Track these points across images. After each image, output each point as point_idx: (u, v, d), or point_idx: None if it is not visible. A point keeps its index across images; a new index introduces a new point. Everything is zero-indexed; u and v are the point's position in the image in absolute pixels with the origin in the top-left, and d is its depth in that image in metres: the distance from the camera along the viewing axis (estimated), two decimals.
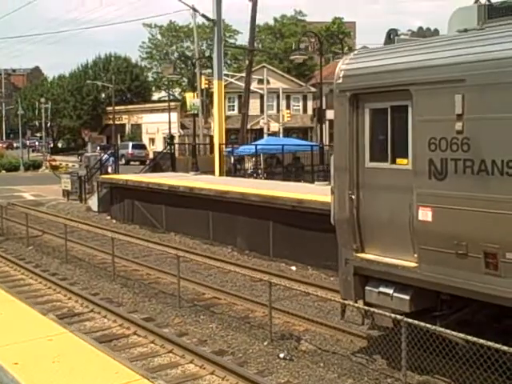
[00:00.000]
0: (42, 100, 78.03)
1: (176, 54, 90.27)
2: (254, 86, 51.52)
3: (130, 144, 65.90)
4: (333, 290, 13.73)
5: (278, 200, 18.36)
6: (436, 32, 10.18)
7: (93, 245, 20.84)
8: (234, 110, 65.72)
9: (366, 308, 9.59)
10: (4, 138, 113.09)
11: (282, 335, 11.37)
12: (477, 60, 8.15)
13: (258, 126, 61.40)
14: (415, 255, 8.91)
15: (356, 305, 9.85)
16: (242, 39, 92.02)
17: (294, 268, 17.14)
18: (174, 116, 66.62)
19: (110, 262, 16.78)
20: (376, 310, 9.34)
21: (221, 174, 28.77)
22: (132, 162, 59.60)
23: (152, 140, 74.45)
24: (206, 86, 45.43)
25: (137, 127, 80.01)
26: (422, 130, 8.78)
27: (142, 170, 34.34)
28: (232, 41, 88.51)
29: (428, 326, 8.50)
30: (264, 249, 18.71)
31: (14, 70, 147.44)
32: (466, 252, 8.26)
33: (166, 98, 75.83)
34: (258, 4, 41.10)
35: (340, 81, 9.98)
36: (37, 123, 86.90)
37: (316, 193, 18.43)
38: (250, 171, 34.15)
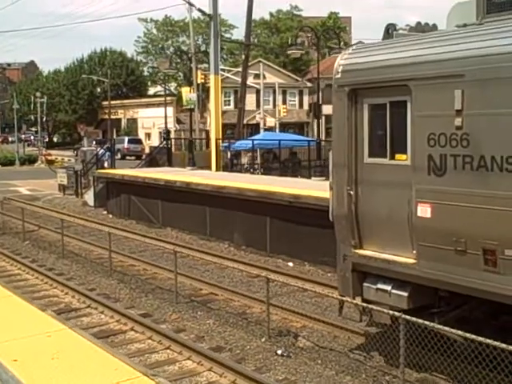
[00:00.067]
0: (38, 94, 77.85)
1: (172, 49, 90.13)
2: (250, 80, 51.37)
3: (126, 139, 65.82)
4: (330, 286, 13.71)
5: (275, 195, 18.31)
6: (434, 27, 10.12)
7: (89, 240, 20.78)
8: (229, 104, 65.67)
9: (364, 305, 9.55)
10: None
11: (279, 332, 11.34)
12: (476, 55, 8.09)
13: (254, 121, 61.32)
14: (414, 252, 8.87)
15: (354, 301, 9.81)
16: (238, 34, 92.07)
17: (291, 264, 17.10)
18: (170, 111, 66.50)
19: (107, 257, 16.72)
20: (374, 307, 9.31)
21: (217, 169, 28.71)
22: (128, 157, 59.51)
23: (148, 135, 74.37)
24: (202, 80, 45.36)
25: (132, 122, 79.93)
26: (421, 125, 8.73)
27: (139, 165, 34.25)
28: (228, 35, 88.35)
29: (426, 323, 8.47)
30: (261, 244, 18.67)
31: (8, 64, 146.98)
32: (464, 249, 8.22)
33: (162, 93, 75.63)
34: None
35: (338, 76, 9.92)
36: (32, 117, 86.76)
37: (313, 188, 18.38)
38: (246, 166, 34.09)
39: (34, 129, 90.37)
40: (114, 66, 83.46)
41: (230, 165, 33.08)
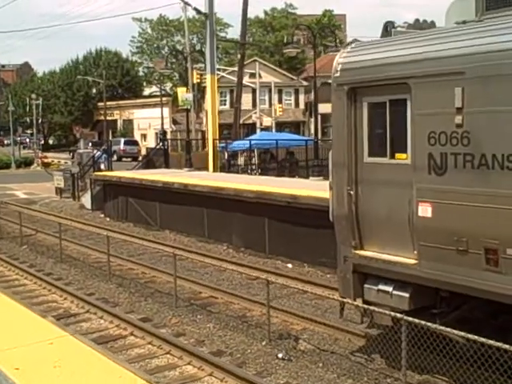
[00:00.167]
0: (33, 96, 77.57)
1: (167, 49, 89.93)
2: (245, 80, 51.25)
3: (122, 140, 65.62)
4: (329, 287, 13.65)
5: (273, 196, 18.21)
6: (432, 24, 10.04)
7: (87, 243, 20.66)
8: (225, 104, 65.47)
9: (366, 306, 9.45)
10: None
11: (280, 335, 11.23)
12: (476, 52, 8.00)
13: (250, 121, 61.19)
14: (415, 252, 8.78)
15: (355, 303, 9.71)
16: (233, 33, 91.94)
17: (290, 265, 17.00)
18: (166, 111, 66.34)
19: (105, 260, 16.61)
20: (375, 309, 9.21)
21: (215, 170, 28.61)
22: (124, 159, 59.33)
23: (144, 136, 74.18)
24: (198, 80, 45.22)
25: (128, 123, 79.71)
26: (421, 124, 8.64)
27: (136, 167, 34.14)
28: (223, 34, 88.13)
29: (429, 324, 8.38)
30: (260, 246, 18.56)
31: (3, 66, 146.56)
32: (466, 248, 8.13)
33: (157, 93, 75.54)
34: None
35: (338, 74, 9.81)
36: (28, 120, 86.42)
37: (311, 188, 18.30)
38: (243, 167, 33.98)
39: (29, 131, 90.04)
40: (109, 67, 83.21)
41: (228, 165, 32.96)
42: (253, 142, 33.05)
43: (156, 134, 66.59)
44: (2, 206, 28.85)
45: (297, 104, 73.10)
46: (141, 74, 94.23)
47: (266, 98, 65.90)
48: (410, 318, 8.48)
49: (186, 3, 41.20)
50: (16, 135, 69.41)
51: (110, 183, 27.30)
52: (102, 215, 27.35)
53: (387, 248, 9.26)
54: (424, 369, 9.17)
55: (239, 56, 45.55)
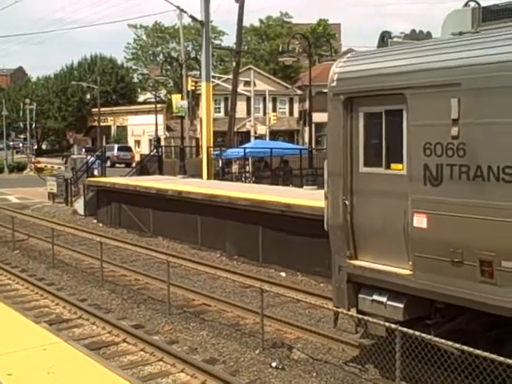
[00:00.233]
0: (27, 101, 77.42)
1: (161, 56, 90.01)
2: (240, 88, 51.30)
3: (116, 146, 65.50)
4: (323, 296, 13.64)
5: (267, 204, 18.20)
6: (429, 35, 10.08)
7: (80, 249, 20.59)
8: (220, 112, 65.55)
9: (360, 316, 9.44)
10: None
11: (273, 343, 11.20)
12: (472, 64, 8.03)
13: (244, 129, 61.21)
14: (410, 263, 8.77)
15: (349, 313, 9.69)
16: (228, 41, 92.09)
17: (283, 274, 16.98)
18: (160, 118, 66.34)
19: (98, 266, 16.56)
20: (370, 319, 9.20)
21: (209, 178, 28.57)
22: (117, 165, 59.24)
23: (138, 142, 74.12)
24: (193, 87, 45.21)
25: (122, 129, 79.66)
26: (417, 134, 8.65)
27: (129, 173, 34.07)
28: (218, 42, 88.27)
29: (424, 335, 8.37)
30: (253, 254, 18.54)
31: None
32: (461, 260, 8.12)
33: (152, 100, 75.57)
34: (245, 5, 40.99)
35: (334, 84, 9.82)
36: (21, 124, 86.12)
37: (305, 197, 18.32)
38: (237, 175, 33.97)
39: (22, 136, 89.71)
40: (103, 73, 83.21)
41: (222, 173, 32.94)
42: (247, 150, 33.05)
43: (150, 140, 66.57)
44: None
45: (291, 113, 73.26)
46: (135, 80, 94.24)
47: (261, 106, 66.00)
48: (405, 329, 8.47)
49: (182, 10, 41.32)
50: (9, 140, 69.21)
51: (103, 189, 27.23)
52: (95, 221, 27.27)
53: (382, 258, 9.25)
54: (418, 380, 9.13)
55: (234, 64, 45.62)
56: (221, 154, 33.56)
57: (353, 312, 9.66)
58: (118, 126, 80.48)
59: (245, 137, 58.24)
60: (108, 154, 53.79)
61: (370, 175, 9.49)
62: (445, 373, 8.77)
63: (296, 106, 73.29)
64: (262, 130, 58.57)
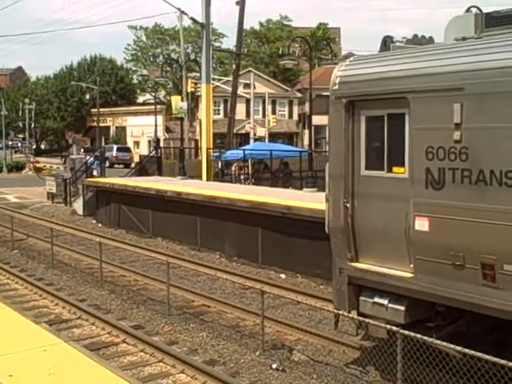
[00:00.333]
0: (26, 101, 77.43)
1: (161, 57, 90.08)
2: (240, 90, 51.30)
3: (115, 147, 65.48)
4: (323, 298, 13.66)
5: (267, 206, 18.22)
6: (431, 40, 10.12)
7: (79, 249, 20.58)
8: (219, 114, 65.53)
9: (361, 319, 9.46)
10: None
11: (273, 345, 11.21)
12: (475, 69, 8.07)
13: (243, 131, 61.28)
14: (411, 265, 8.80)
15: (350, 315, 9.72)
16: (228, 43, 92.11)
17: (283, 276, 16.99)
18: (160, 119, 66.36)
19: (97, 267, 16.56)
20: (371, 321, 9.22)
21: (208, 179, 28.56)
22: (116, 165, 59.23)
23: (137, 143, 74.15)
24: (193, 89, 45.24)
25: (121, 130, 79.68)
26: (419, 138, 8.69)
27: (128, 174, 34.06)
28: (218, 44, 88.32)
29: (425, 338, 8.39)
30: (253, 256, 18.54)
31: None
32: (463, 263, 8.16)
33: (151, 101, 75.56)
34: (245, 8, 41.03)
35: (336, 87, 9.86)
36: (20, 124, 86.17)
37: (305, 200, 18.33)
38: (236, 176, 33.96)
39: (21, 135, 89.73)
40: (103, 74, 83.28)
41: (221, 174, 32.93)
42: (247, 152, 33.03)
43: (149, 141, 66.60)
44: None
45: (290, 115, 73.31)
46: (135, 81, 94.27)
47: (260, 108, 66.04)
48: (406, 332, 8.48)
49: (183, 12, 41.33)
50: (8, 139, 69.14)
51: (102, 189, 27.23)
52: (94, 221, 27.26)
53: (383, 261, 9.28)
54: (420, 382, 9.14)
55: (234, 66, 45.58)
56: (220, 155, 33.56)
57: (353, 314, 9.68)
58: (117, 127, 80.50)
59: (244, 139, 58.27)
60: (107, 154, 53.86)
61: (372, 178, 9.52)
62: (446, 375, 8.78)
63: (295, 109, 73.35)
64: (261, 132, 58.60)
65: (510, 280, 7.71)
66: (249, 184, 30.95)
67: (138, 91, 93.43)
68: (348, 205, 9.68)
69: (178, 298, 14.57)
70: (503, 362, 7.43)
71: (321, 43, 63.18)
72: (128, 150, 67.12)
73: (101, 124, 74.79)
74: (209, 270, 16.66)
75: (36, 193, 37.39)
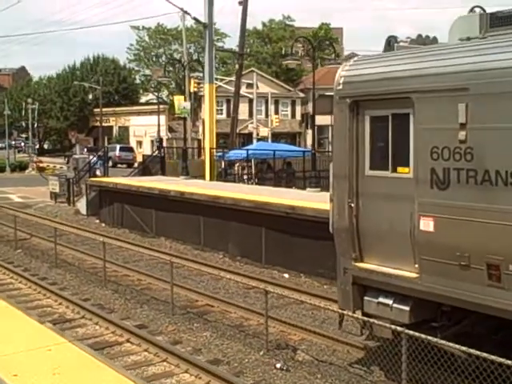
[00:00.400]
0: (29, 100, 77.50)
1: (164, 57, 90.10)
2: (242, 90, 51.23)
3: (118, 146, 65.51)
4: (326, 298, 13.65)
5: (271, 206, 18.21)
6: (435, 40, 10.11)
7: (82, 249, 20.60)
8: (222, 113, 65.53)
9: (366, 319, 9.45)
10: None
11: (277, 345, 11.21)
12: (480, 69, 8.05)
13: (246, 131, 61.24)
14: (416, 266, 8.79)
15: (355, 315, 9.71)
16: (230, 43, 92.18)
17: (286, 275, 16.99)
18: (162, 119, 66.36)
19: (100, 266, 16.57)
20: (375, 321, 9.21)
21: (211, 179, 28.56)
22: (119, 165, 59.26)
23: (139, 143, 74.15)
24: (195, 89, 45.20)
25: (124, 130, 79.68)
26: (424, 138, 8.68)
27: (131, 174, 34.07)
28: (220, 44, 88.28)
29: (430, 338, 8.38)
30: (256, 255, 18.55)
31: None
32: (468, 263, 8.15)
33: (154, 101, 75.55)
34: (248, 8, 41.00)
35: (340, 87, 9.85)
36: (23, 124, 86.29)
37: (308, 199, 18.33)
38: (240, 176, 33.96)
39: (24, 135, 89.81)
40: (106, 73, 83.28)
41: (224, 174, 32.93)
42: (250, 152, 33.03)
43: (152, 141, 66.59)
44: None
45: (293, 115, 73.31)
46: (137, 81, 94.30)
47: (263, 108, 66.03)
48: (411, 332, 8.47)
49: (186, 12, 41.26)
50: (11, 139, 69.22)
51: (105, 189, 27.24)
52: (98, 221, 27.29)
53: (388, 261, 9.27)
54: (424, 383, 9.14)
55: (237, 66, 45.55)
56: (223, 155, 33.56)
57: (358, 314, 9.68)
58: (119, 127, 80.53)
59: (247, 139, 58.22)
60: (110, 154, 53.91)
61: (376, 178, 9.51)
62: (451, 376, 8.77)
63: (298, 109, 73.33)
64: (264, 132, 58.55)
65: None
66: (252, 184, 30.96)
67: (141, 91, 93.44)
68: (352, 205, 9.67)
69: (181, 297, 14.57)
70: (509, 362, 7.41)
71: (323, 43, 63.00)
72: (131, 149, 67.15)
73: (103, 124, 74.84)
74: (212, 269, 16.67)
75: (39, 192, 37.43)
